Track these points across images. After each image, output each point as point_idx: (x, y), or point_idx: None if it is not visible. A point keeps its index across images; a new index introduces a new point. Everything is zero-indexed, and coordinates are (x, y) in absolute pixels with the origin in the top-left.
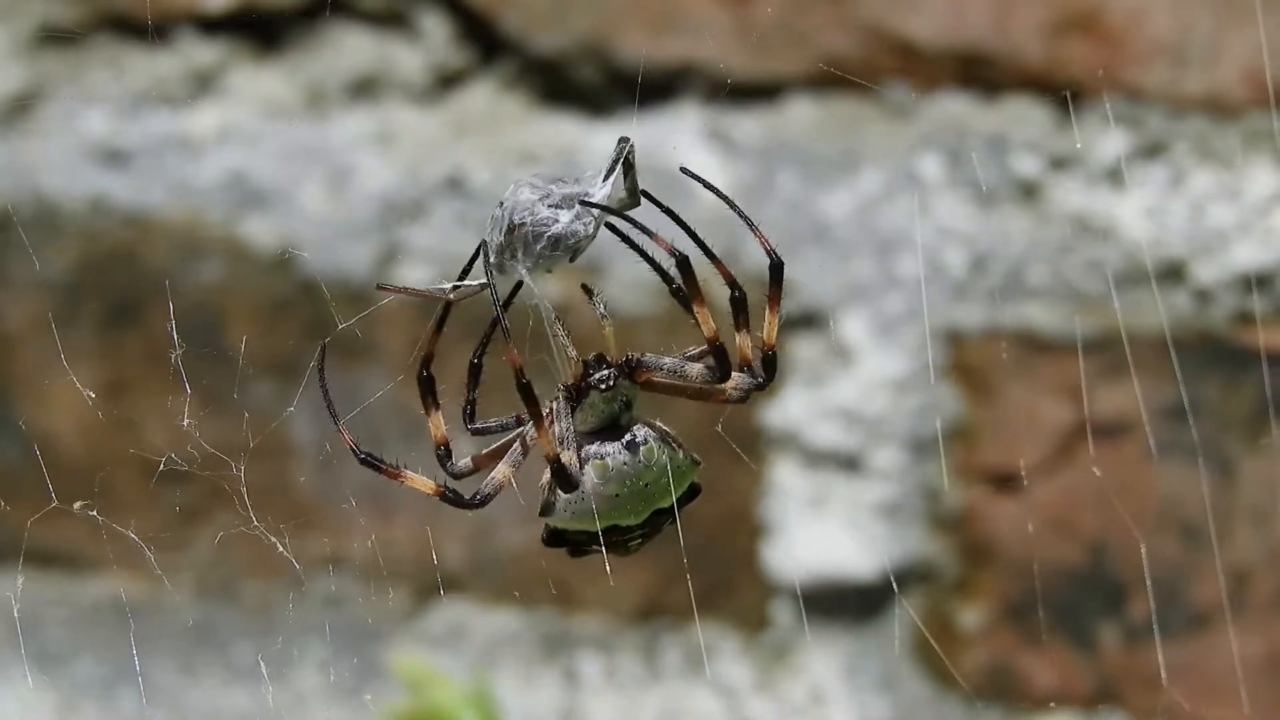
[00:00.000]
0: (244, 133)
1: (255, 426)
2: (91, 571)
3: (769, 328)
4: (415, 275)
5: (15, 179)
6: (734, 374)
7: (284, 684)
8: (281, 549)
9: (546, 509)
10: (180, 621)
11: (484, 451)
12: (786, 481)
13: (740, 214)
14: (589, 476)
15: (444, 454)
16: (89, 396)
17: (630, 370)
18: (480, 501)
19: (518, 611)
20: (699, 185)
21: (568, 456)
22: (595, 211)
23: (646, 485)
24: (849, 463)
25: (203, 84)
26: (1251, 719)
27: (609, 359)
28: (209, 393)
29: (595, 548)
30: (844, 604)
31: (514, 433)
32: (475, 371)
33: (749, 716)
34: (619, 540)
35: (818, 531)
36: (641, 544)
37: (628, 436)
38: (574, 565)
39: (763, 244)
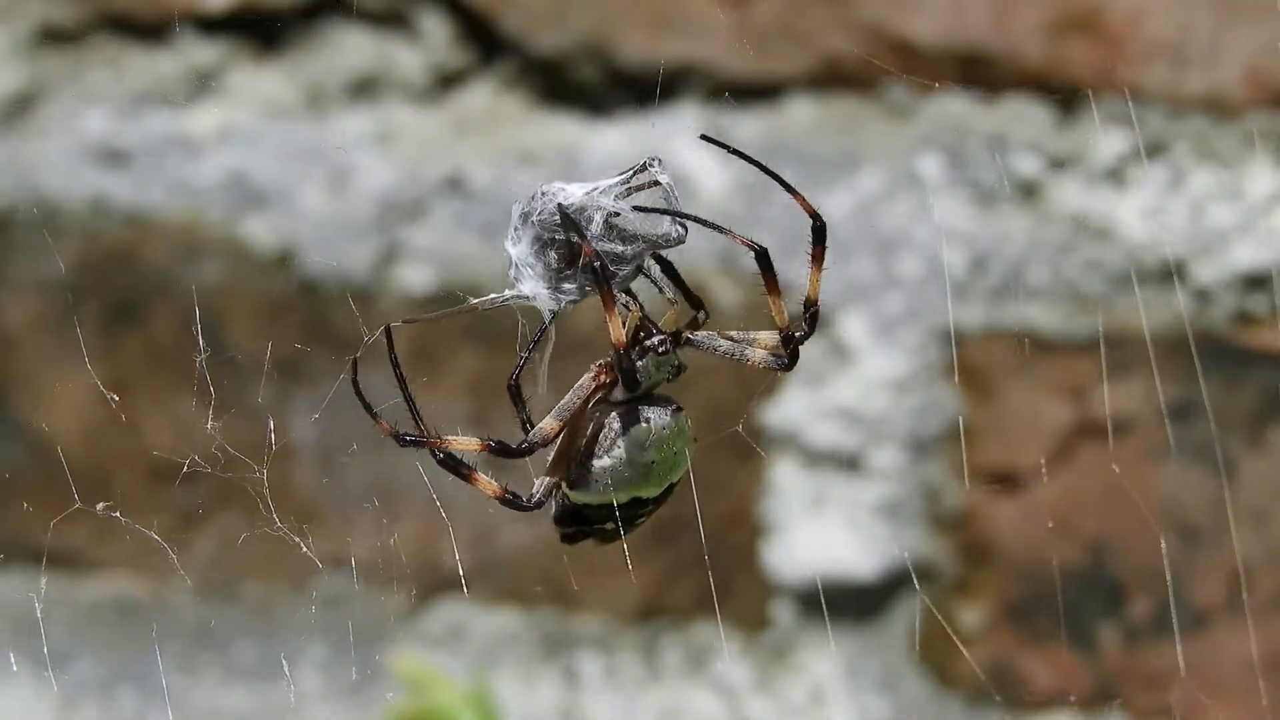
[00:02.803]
0: (244, 133)
1: (258, 428)
2: (92, 571)
3: (812, 285)
4: (415, 275)
5: (15, 179)
6: (765, 351)
7: (285, 683)
8: (305, 549)
9: (577, 482)
10: (186, 621)
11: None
12: (786, 481)
13: (773, 176)
14: (628, 443)
15: (512, 498)
16: (112, 399)
17: (677, 342)
18: (528, 449)
19: (518, 611)
20: (699, 187)
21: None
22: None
23: (676, 453)
24: (849, 463)
25: (203, 84)
26: (1253, 718)
27: (656, 328)
28: (215, 396)
29: (609, 526)
30: (844, 604)
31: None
32: (516, 392)
33: (749, 716)
34: (631, 516)
35: (818, 531)
36: (644, 521)
37: (672, 404)
38: (574, 565)
39: (803, 205)
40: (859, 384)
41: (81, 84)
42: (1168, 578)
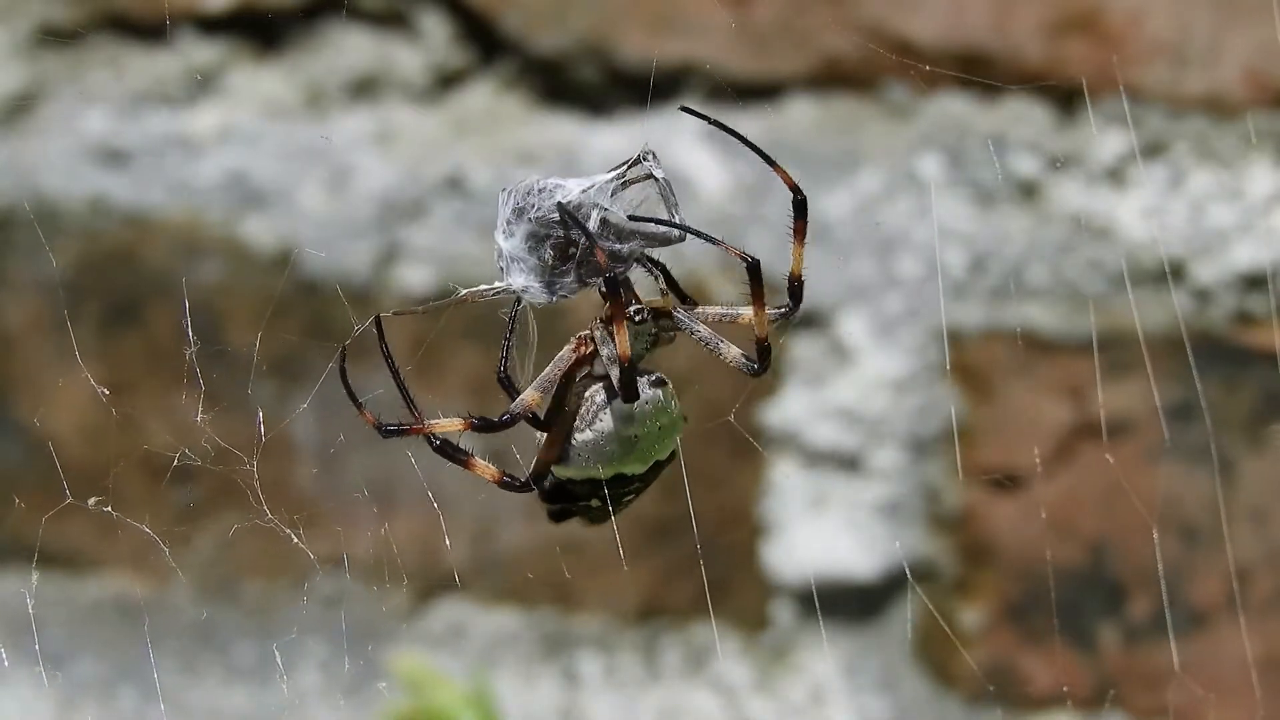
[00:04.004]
0: (244, 133)
1: (252, 423)
2: (91, 570)
3: (796, 260)
4: (415, 275)
5: (15, 179)
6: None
7: (285, 682)
8: (297, 540)
9: (560, 456)
10: (184, 620)
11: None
12: (786, 481)
13: (756, 150)
14: (610, 416)
15: (512, 481)
16: (103, 393)
17: (658, 314)
18: (509, 420)
19: (518, 611)
20: (700, 187)
21: (614, 372)
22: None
23: (660, 428)
24: (849, 462)
25: (203, 84)
26: (1251, 718)
27: (636, 298)
28: (212, 391)
29: (595, 503)
30: (844, 604)
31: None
32: (506, 382)
33: (749, 716)
34: (617, 494)
35: (817, 531)
36: (633, 499)
37: (654, 375)
38: (574, 565)
39: (785, 180)
40: (859, 384)
41: (81, 84)
42: (1160, 577)
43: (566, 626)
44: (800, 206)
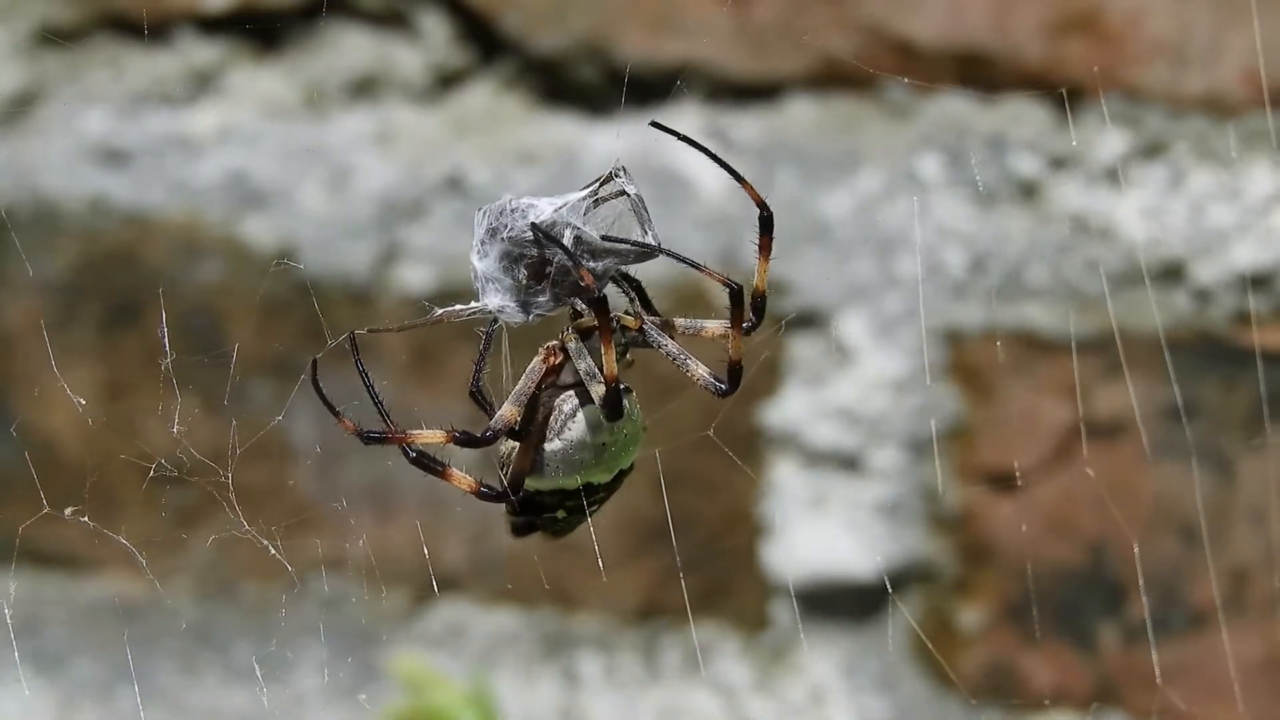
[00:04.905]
0: (244, 133)
1: (255, 428)
2: (89, 572)
3: (760, 276)
4: (415, 275)
5: (15, 179)
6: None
7: (283, 685)
8: (274, 551)
9: (533, 468)
10: (177, 623)
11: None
12: (786, 481)
13: (724, 165)
14: (580, 424)
15: (489, 492)
16: (79, 403)
17: (625, 328)
18: (491, 436)
19: (517, 611)
20: (699, 187)
21: (598, 390)
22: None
23: (627, 435)
24: (848, 463)
25: (203, 84)
26: (1248, 718)
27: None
28: (209, 394)
29: (560, 515)
30: (843, 604)
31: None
32: (478, 396)
33: (748, 716)
34: (582, 505)
35: (817, 531)
36: (597, 510)
37: (620, 385)
38: (574, 565)
39: (752, 195)
40: (859, 384)
41: (81, 84)
42: (1140, 585)
43: (566, 626)
44: (766, 223)
